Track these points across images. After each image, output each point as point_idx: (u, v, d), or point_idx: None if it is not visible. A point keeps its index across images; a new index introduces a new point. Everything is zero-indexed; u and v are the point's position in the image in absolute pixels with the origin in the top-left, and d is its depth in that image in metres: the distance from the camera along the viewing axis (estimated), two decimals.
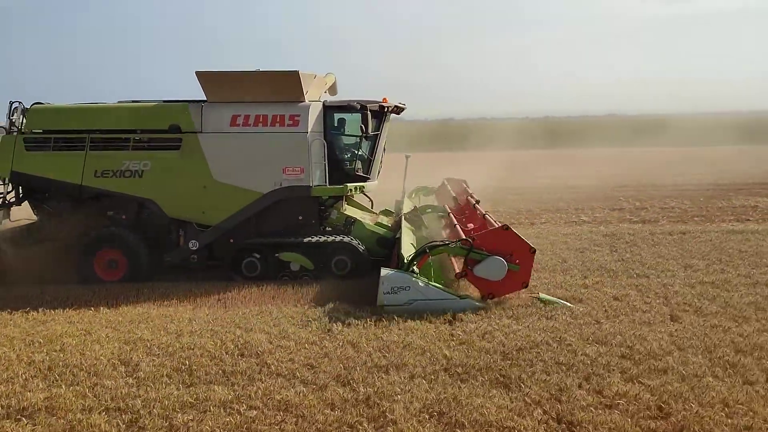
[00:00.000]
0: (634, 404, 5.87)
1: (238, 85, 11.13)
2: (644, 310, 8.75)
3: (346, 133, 11.65)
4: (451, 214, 12.31)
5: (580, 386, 6.25)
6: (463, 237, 9.43)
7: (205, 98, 11.42)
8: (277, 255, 11.01)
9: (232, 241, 11.27)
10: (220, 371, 6.80)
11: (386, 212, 13.63)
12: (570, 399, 5.97)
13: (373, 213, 13.41)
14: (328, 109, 11.37)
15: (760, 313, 8.54)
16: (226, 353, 7.30)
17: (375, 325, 8.12)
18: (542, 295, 9.00)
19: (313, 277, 10.84)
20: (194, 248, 11.30)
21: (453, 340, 7.58)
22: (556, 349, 7.15)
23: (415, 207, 13.56)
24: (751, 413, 5.68)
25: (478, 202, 13.09)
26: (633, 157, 41.06)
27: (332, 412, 5.82)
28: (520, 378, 6.43)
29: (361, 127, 11.32)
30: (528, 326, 7.95)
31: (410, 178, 14.66)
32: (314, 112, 11.17)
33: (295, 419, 5.73)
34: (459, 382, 6.40)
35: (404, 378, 6.50)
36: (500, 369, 6.67)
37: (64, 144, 11.30)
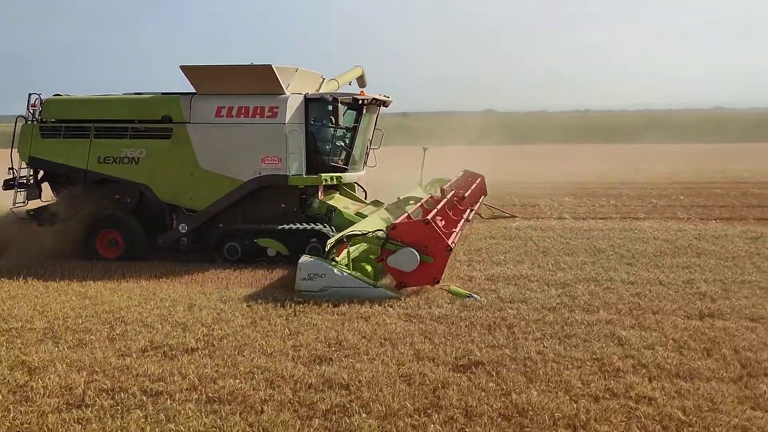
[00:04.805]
0: None
1: (220, 78, 11.89)
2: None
3: (325, 124, 12.14)
4: (423, 205, 12.25)
5: None
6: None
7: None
8: (255, 240, 11.61)
9: (221, 225, 11.99)
10: None
11: (376, 203, 13.98)
12: None
13: (363, 203, 13.81)
14: (310, 101, 11.92)
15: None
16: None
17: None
18: (452, 288, 8.99)
19: (288, 262, 11.16)
20: (184, 231, 12.09)
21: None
22: None
23: (398, 198, 13.85)
24: None
25: (464, 197, 13.44)
26: None
27: None
28: None
29: (330, 118, 11.83)
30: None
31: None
32: (293, 104, 11.71)
33: None
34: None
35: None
36: None
37: (73, 132, 12.50)
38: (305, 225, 11.56)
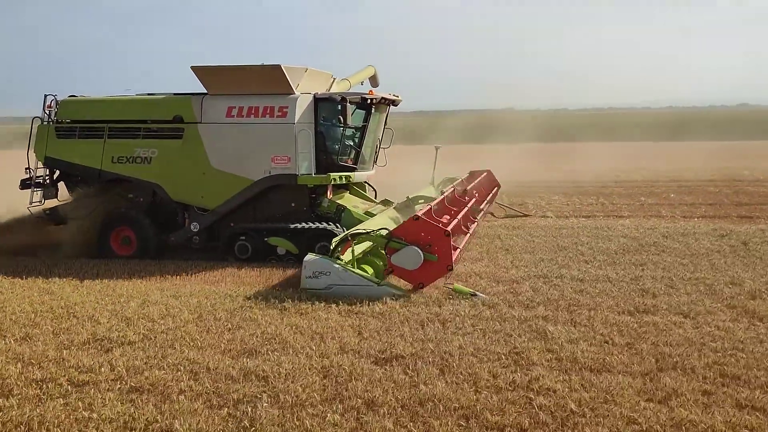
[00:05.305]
0: None
1: (230, 78, 12.12)
2: None
3: (335, 124, 12.25)
4: (431, 204, 12.22)
5: None
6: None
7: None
8: (265, 239, 11.80)
9: (232, 225, 12.20)
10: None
11: (386, 202, 14.02)
12: None
13: (373, 202, 13.89)
14: (319, 101, 12.07)
15: None
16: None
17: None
18: (456, 285, 8.99)
19: (297, 260, 11.14)
20: (195, 230, 12.35)
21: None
22: None
23: (407, 197, 13.99)
24: None
25: (465, 189, 13.65)
26: None
27: None
28: None
29: (340, 118, 11.96)
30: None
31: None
32: (302, 104, 11.89)
33: None
34: None
35: None
36: None
37: (87, 132, 12.86)
38: (315, 224, 11.65)
